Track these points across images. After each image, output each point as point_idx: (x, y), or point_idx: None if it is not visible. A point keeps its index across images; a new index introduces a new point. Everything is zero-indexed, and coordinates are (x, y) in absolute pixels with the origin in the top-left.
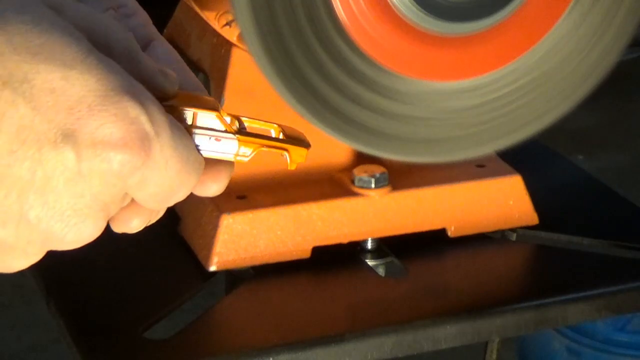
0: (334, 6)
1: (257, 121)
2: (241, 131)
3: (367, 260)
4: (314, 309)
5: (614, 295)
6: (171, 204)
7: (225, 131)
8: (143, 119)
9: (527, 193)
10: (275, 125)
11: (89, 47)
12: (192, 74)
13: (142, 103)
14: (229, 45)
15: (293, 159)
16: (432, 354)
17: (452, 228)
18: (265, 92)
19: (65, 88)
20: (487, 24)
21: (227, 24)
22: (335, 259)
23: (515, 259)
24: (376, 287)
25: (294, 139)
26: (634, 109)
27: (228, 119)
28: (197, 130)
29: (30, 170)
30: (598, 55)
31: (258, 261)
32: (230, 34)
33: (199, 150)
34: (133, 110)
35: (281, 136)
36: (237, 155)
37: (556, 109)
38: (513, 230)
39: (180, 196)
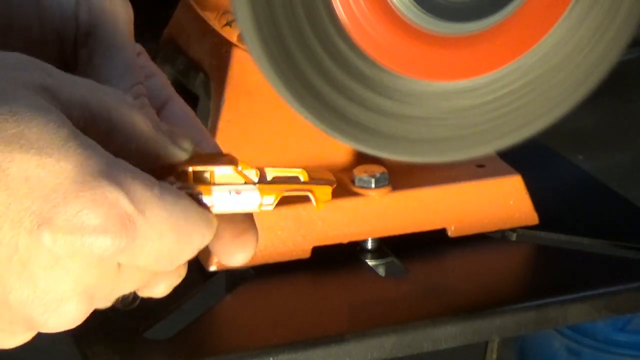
0: (334, 6)
1: (281, 169)
2: (261, 181)
3: (367, 260)
4: (314, 309)
5: (614, 295)
6: (182, 262)
7: (245, 183)
8: (123, 201)
9: (527, 193)
10: (300, 170)
11: (70, 131)
12: (207, 133)
13: (121, 184)
14: (229, 45)
15: (319, 199)
16: (432, 354)
17: (452, 228)
18: (265, 92)
19: (41, 176)
20: (487, 24)
21: (227, 24)
22: (335, 259)
23: (515, 259)
24: (376, 287)
25: (319, 180)
26: (634, 109)
27: (252, 172)
28: (215, 187)
29: (7, 256)
30: (598, 55)
31: (258, 261)
32: (231, 34)
33: (209, 208)
34: (111, 193)
35: (306, 179)
36: (260, 205)
37: (556, 109)
38: (513, 230)
39: (187, 256)
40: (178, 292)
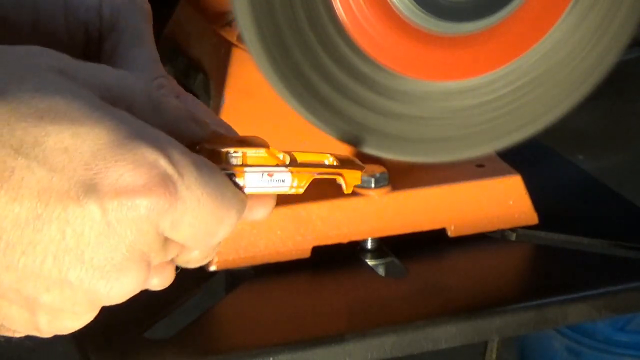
0: (334, 6)
1: (309, 153)
2: (292, 164)
3: (367, 260)
4: (314, 309)
5: (613, 295)
6: (215, 242)
7: (277, 165)
8: (162, 162)
9: (527, 193)
10: (327, 155)
11: (97, 103)
12: (225, 123)
13: (159, 147)
14: (229, 45)
15: (349, 183)
16: (432, 354)
17: (452, 228)
18: (265, 92)
19: (77, 145)
20: (487, 23)
21: (227, 23)
22: (335, 259)
23: (515, 259)
24: (376, 287)
25: (347, 163)
26: (634, 109)
27: (280, 155)
28: (248, 169)
29: (59, 231)
30: (598, 55)
31: (258, 261)
32: (230, 34)
33: (242, 188)
34: (150, 154)
35: (334, 163)
36: (291, 187)
37: (556, 108)
38: (513, 230)
39: (222, 234)
40: (178, 292)
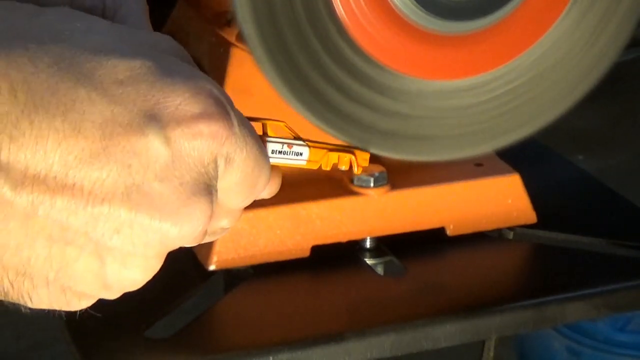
0: (334, 4)
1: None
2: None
3: (366, 259)
4: (314, 308)
5: (612, 293)
6: (249, 200)
7: (295, 138)
8: (216, 91)
9: (526, 192)
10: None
11: (142, 42)
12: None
13: (209, 79)
14: (227, 44)
15: (359, 163)
16: (431, 353)
17: (451, 227)
18: (264, 91)
19: (133, 77)
20: (487, 22)
21: (226, 23)
22: (334, 258)
23: (514, 258)
24: (375, 286)
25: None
26: (634, 109)
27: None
28: (269, 138)
29: (125, 166)
30: (597, 54)
31: (258, 260)
32: (229, 33)
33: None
34: (206, 84)
35: None
36: (308, 161)
37: (554, 108)
38: (511, 228)
39: (259, 188)
40: (178, 292)
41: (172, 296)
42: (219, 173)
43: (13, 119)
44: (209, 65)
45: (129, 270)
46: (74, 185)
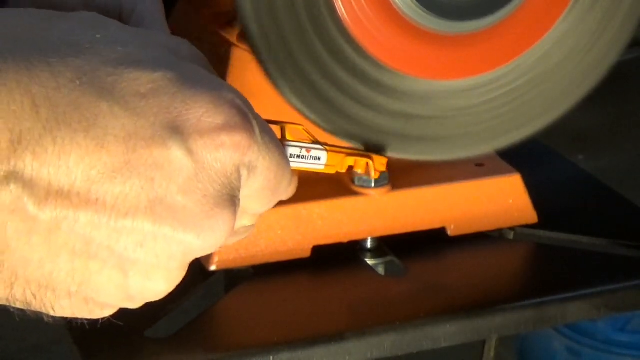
0: (336, 5)
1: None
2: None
3: (366, 260)
4: (314, 308)
5: (613, 293)
6: (272, 204)
7: (314, 142)
8: (238, 100)
9: (527, 192)
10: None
11: (165, 50)
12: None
13: (232, 89)
14: (228, 45)
15: (376, 167)
16: (431, 353)
17: (452, 227)
18: (265, 92)
19: (155, 90)
20: (488, 22)
21: (227, 23)
22: (335, 258)
23: (515, 258)
24: (376, 286)
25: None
26: (634, 109)
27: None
28: (288, 142)
29: (148, 179)
30: (598, 54)
31: (258, 260)
32: (230, 33)
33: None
34: (228, 93)
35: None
36: (326, 166)
37: (556, 108)
38: (511, 228)
39: (281, 192)
40: (178, 291)
41: (172, 296)
42: (242, 182)
43: (36, 135)
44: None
45: (152, 282)
46: (97, 200)
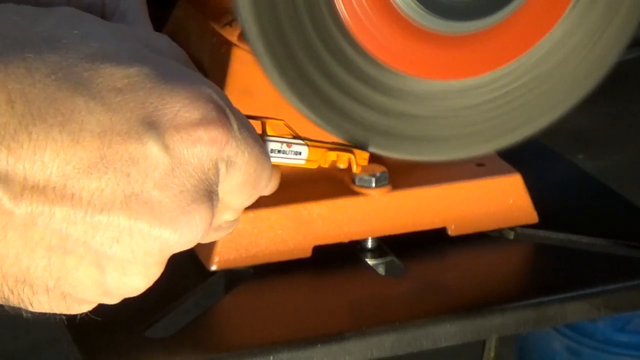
0: (336, 5)
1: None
2: (307, 138)
3: (367, 259)
4: (314, 308)
5: (613, 293)
6: (254, 199)
7: (294, 137)
8: (215, 95)
9: (527, 192)
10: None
11: (141, 45)
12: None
13: (209, 83)
14: (229, 44)
15: (358, 162)
16: (431, 352)
17: (452, 227)
18: (266, 91)
19: (130, 85)
20: (489, 22)
21: (227, 23)
22: (335, 258)
23: (515, 258)
24: (376, 285)
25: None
26: (634, 109)
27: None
28: (268, 138)
29: (124, 174)
30: (598, 54)
31: (259, 260)
32: (231, 33)
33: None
34: (205, 88)
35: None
36: (307, 160)
37: (556, 108)
38: (512, 228)
39: (261, 187)
40: (178, 291)
41: (172, 296)
42: (221, 177)
43: (11, 130)
44: (210, 65)
45: (129, 277)
46: (72, 195)
